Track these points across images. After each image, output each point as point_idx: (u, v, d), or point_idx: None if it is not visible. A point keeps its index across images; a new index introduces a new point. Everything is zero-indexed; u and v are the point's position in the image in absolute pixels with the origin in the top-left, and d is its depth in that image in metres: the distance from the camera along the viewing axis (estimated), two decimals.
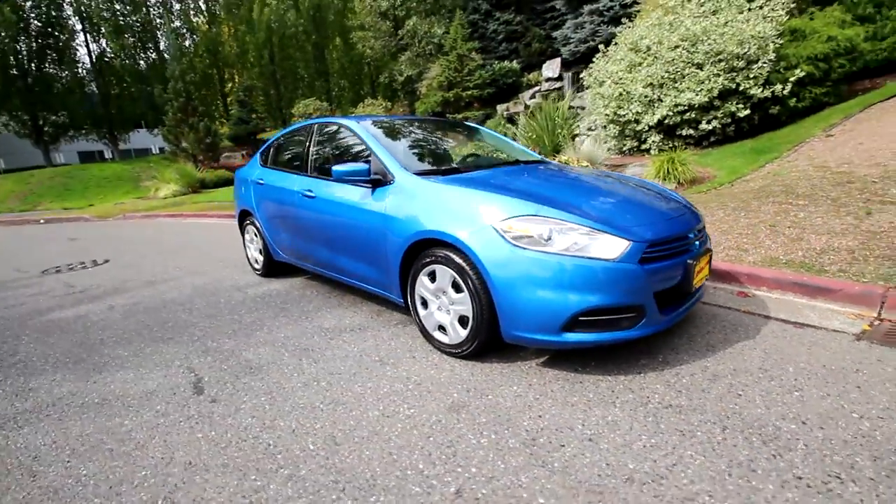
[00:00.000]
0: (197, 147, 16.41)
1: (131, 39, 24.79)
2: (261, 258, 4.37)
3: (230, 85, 26.22)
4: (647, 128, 7.66)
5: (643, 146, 7.98)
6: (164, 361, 2.70)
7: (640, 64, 7.85)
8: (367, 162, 2.89)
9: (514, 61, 17.71)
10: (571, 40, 16.17)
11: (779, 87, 6.66)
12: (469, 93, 15.79)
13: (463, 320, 2.39)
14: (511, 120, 15.61)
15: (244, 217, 4.52)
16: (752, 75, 6.72)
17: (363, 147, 3.06)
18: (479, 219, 2.23)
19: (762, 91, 6.72)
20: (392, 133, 3.30)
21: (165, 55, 19.39)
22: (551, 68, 16.12)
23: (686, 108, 7.13)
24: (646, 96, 7.56)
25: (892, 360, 2.18)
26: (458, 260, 2.30)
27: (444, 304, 2.48)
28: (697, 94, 6.92)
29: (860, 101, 6.74)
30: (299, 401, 2.17)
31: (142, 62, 25.11)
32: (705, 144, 7.47)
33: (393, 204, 2.67)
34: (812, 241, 3.51)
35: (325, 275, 3.56)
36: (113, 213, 11.72)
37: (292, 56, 21.14)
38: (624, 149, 8.38)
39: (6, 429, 2.12)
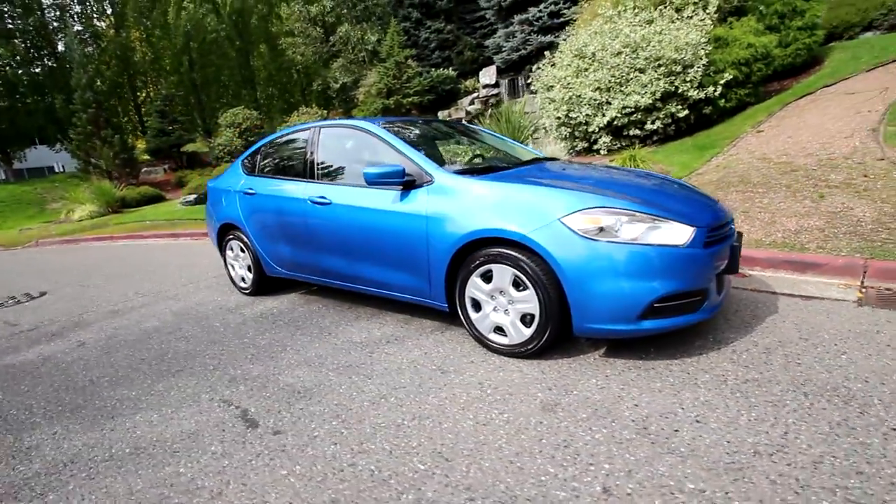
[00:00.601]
0: (112, 163, 14.79)
1: (22, 45, 21.73)
2: (249, 275, 4.02)
3: (143, 94, 23.87)
4: (597, 129, 8.12)
5: (594, 147, 8.44)
6: (188, 397, 2.38)
7: (586, 69, 8.31)
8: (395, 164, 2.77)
9: (449, 69, 17.97)
10: (504, 49, 16.74)
11: (711, 89, 7.38)
12: (409, 100, 15.77)
13: (525, 318, 2.36)
14: None
15: (225, 232, 4.14)
16: (688, 79, 7.38)
17: (387, 149, 2.92)
18: (544, 214, 2.22)
19: (697, 93, 7.40)
20: (409, 134, 3.19)
21: (68, 64, 17.16)
22: (488, 75, 16.58)
23: (633, 109, 7.65)
24: (595, 100, 8.01)
25: None
26: (521, 257, 2.27)
27: (501, 304, 2.43)
28: (643, 97, 7.46)
29: (777, 101, 7.65)
30: (377, 420, 2.01)
31: (38, 70, 22.04)
32: (650, 143, 8.06)
33: (435, 205, 2.57)
34: (785, 224, 3.90)
35: (335, 286, 3.35)
36: (21, 240, 10.19)
37: (214, 63, 19.69)
38: (576, 149, 8.81)
39: (23, 499, 1.74)
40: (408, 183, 2.70)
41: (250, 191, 3.78)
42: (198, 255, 6.65)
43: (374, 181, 2.69)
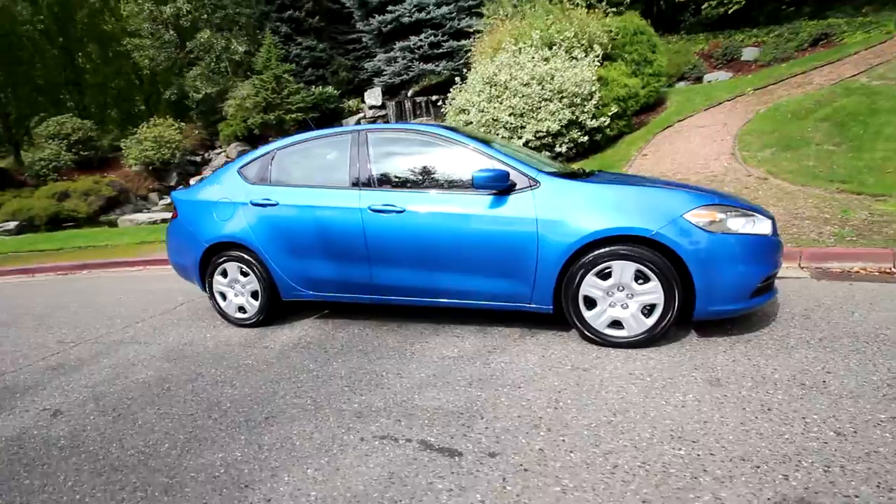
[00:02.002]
0: None
1: None
2: (254, 303, 3.41)
3: None
4: None
5: None
6: (329, 442, 1.96)
7: (499, 96, 9.06)
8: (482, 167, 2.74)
9: (328, 87, 17.55)
10: (385, 72, 17.08)
11: (602, 119, 8.74)
12: (292, 116, 14.92)
13: (645, 310, 2.56)
14: None
15: (214, 254, 3.43)
16: (586, 110, 8.62)
17: (470, 153, 2.86)
18: (667, 211, 2.47)
19: (593, 122, 8.69)
20: (480, 139, 3.11)
21: None
22: (373, 96, 16.67)
23: (545, 133, 8.60)
24: (510, 123, 8.77)
25: (862, 287, 3.36)
26: (645, 252, 2.48)
27: (618, 299, 2.59)
28: (554, 123, 8.45)
29: (646, 131, 9.41)
30: (581, 422, 1.96)
31: None
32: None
33: (546, 208, 2.62)
34: None
35: (381, 304, 3.12)
36: None
37: (24, 60, 15.32)
38: None
39: None
40: (510, 187, 2.70)
41: (267, 202, 3.24)
42: (94, 292, 5.26)
43: (483, 185, 2.62)
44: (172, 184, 15.35)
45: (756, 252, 2.49)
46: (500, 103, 8.90)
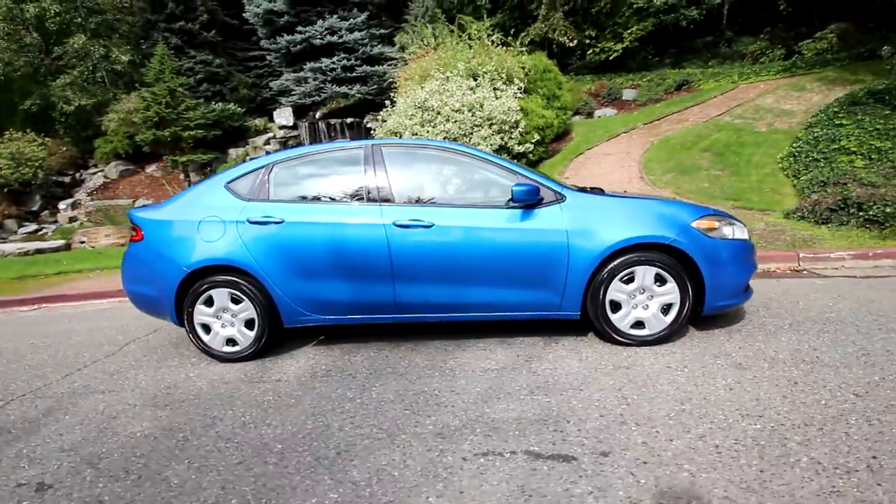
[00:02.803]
0: None
1: None
2: (249, 333, 3.04)
3: None
4: None
5: None
6: (430, 469, 1.83)
7: (431, 121, 9.31)
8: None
9: (231, 104, 16.41)
10: (295, 92, 16.53)
11: (528, 145, 9.45)
12: (191, 133, 13.62)
13: (665, 309, 2.84)
14: None
15: (197, 280, 3.01)
16: (513, 136, 9.26)
17: (494, 168, 2.96)
18: (678, 221, 2.80)
19: (520, 147, 9.35)
20: (494, 156, 3.19)
21: None
22: (284, 116, 15.96)
23: None
24: None
25: (789, 283, 4.08)
26: (663, 257, 2.77)
27: (640, 301, 2.84)
28: (486, 147, 8.92)
29: (562, 157, 10.36)
30: (658, 413, 2.11)
31: None
32: None
33: (574, 220, 2.80)
34: None
35: (413, 322, 3.02)
36: None
37: None
38: None
39: None
40: (539, 201, 2.83)
41: (269, 220, 2.95)
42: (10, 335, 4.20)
43: (521, 198, 2.73)
44: (35, 208, 12.87)
45: (744, 254, 2.94)
46: (434, 127, 9.16)
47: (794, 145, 7.71)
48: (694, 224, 2.82)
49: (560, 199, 2.87)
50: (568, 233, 2.80)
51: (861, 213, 5.30)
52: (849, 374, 2.35)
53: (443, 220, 2.87)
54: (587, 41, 16.74)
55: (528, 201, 2.79)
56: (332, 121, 16.24)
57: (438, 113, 9.34)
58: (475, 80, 9.91)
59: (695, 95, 12.75)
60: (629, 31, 15.80)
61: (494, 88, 9.88)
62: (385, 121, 10.05)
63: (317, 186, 3.10)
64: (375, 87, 16.57)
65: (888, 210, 5.11)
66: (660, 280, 2.81)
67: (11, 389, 2.94)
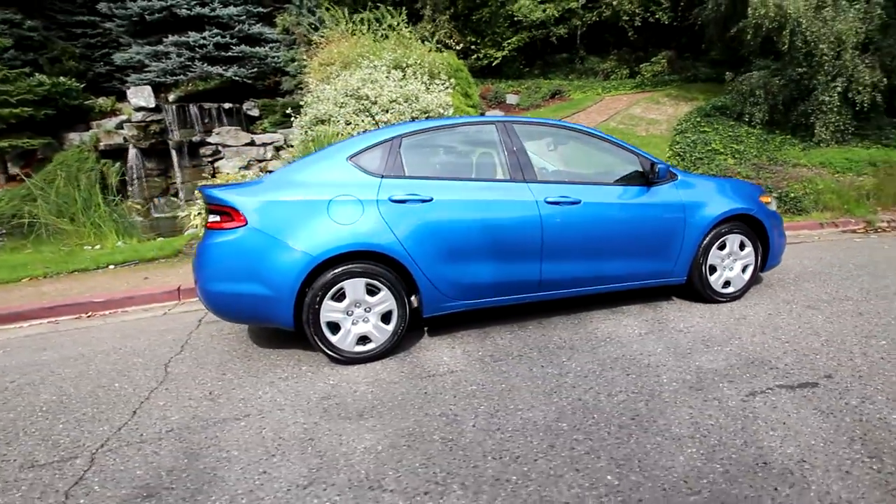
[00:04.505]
0: None
1: None
2: (386, 328, 2.69)
3: None
4: None
5: None
6: (734, 415, 1.97)
7: (367, 110, 8.90)
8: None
9: (62, 77, 13.08)
10: (151, 69, 14.03)
11: None
12: (12, 111, 10.52)
13: (744, 269, 3.43)
14: (108, 153, 11.72)
15: (322, 272, 2.53)
16: None
17: (616, 149, 3.17)
18: (752, 196, 3.42)
19: None
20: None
21: None
22: (142, 96, 13.37)
23: None
24: None
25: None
26: (746, 226, 3.35)
27: (728, 264, 3.38)
28: None
29: None
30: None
31: None
32: None
33: (687, 195, 3.19)
34: None
35: (553, 299, 3.07)
36: None
37: None
38: None
39: None
40: (667, 178, 3.15)
41: (415, 198, 2.64)
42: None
43: (663, 176, 2.99)
44: None
45: (781, 223, 3.71)
46: (373, 117, 8.79)
47: (676, 147, 9.55)
48: (760, 199, 3.47)
49: (674, 177, 3.23)
50: (684, 206, 3.18)
51: None
52: (871, 313, 3.23)
53: (587, 197, 2.97)
54: (472, 46, 17.75)
55: (664, 179, 3.09)
56: (207, 105, 14.14)
57: (374, 102, 8.99)
58: (402, 72, 9.80)
59: (571, 104, 14.64)
60: (508, 41, 17.28)
61: (424, 83, 9.92)
62: (308, 108, 9.22)
63: (453, 162, 2.89)
64: (255, 70, 14.99)
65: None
66: (741, 246, 3.39)
67: (98, 430, 2.07)
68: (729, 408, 2.04)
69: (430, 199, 2.70)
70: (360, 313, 2.66)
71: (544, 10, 16.24)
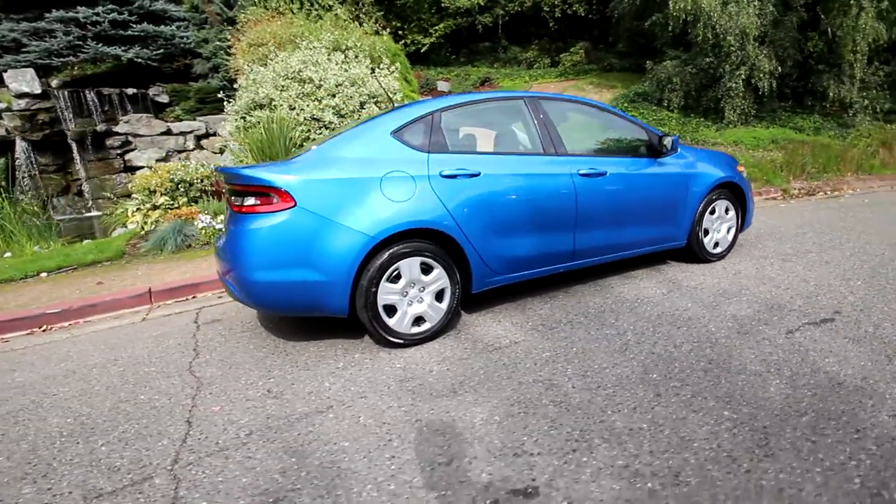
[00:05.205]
0: None
1: None
2: (440, 306, 2.64)
3: None
4: None
5: None
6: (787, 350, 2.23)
7: (312, 94, 8.40)
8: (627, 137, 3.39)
9: None
10: (30, 50, 12.11)
11: None
12: None
13: (729, 230, 3.82)
14: None
15: (380, 251, 2.41)
16: None
17: (627, 123, 3.36)
18: (733, 165, 3.82)
19: None
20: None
21: None
22: (24, 80, 11.51)
23: None
24: (334, 123, 8.35)
25: None
26: (730, 193, 3.74)
27: (717, 227, 3.76)
28: None
29: None
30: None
31: None
32: None
33: (687, 166, 3.49)
34: None
35: (581, 268, 3.19)
36: None
37: None
38: None
39: None
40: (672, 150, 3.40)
41: (463, 172, 2.59)
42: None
43: (673, 148, 3.22)
44: None
45: (751, 189, 4.18)
46: (319, 102, 8.34)
47: None
48: (738, 168, 3.89)
49: (675, 151, 3.50)
50: (686, 176, 3.47)
51: None
52: (862, 254, 3.81)
53: (611, 169, 3.12)
54: (399, 32, 17.46)
55: (673, 151, 3.33)
56: (107, 90, 12.47)
57: (319, 86, 8.50)
58: (343, 54, 9.36)
59: (503, 91, 15.04)
60: (436, 28, 17.25)
61: (368, 67, 9.57)
62: (244, 91, 8.46)
63: (489, 137, 2.87)
64: (162, 51, 13.49)
65: None
66: (727, 210, 3.78)
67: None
68: (780, 344, 2.31)
69: (478, 174, 2.67)
70: (414, 293, 2.57)
71: None
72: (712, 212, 3.69)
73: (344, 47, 9.43)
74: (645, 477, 1.50)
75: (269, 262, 2.31)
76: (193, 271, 4.36)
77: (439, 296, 2.65)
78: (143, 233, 5.68)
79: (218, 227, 5.43)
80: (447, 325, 2.72)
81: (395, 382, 2.22)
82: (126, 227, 6.50)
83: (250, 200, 2.35)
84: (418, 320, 2.61)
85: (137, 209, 5.85)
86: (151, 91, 13.02)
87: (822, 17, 9.83)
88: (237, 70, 10.23)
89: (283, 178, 2.31)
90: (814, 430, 1.68)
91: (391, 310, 2.52)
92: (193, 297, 3.99)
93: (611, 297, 3.15)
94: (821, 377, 2.00)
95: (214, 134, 12.07)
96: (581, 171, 2.99)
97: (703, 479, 1.48)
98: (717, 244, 3.79)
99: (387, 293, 2.47)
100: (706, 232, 3.72)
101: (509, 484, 1.51)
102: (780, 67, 9.35)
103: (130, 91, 12.57)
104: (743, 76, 9.40)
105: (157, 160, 10.95)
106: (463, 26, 18.03)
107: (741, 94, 9.56)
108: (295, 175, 2.34)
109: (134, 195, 6.06)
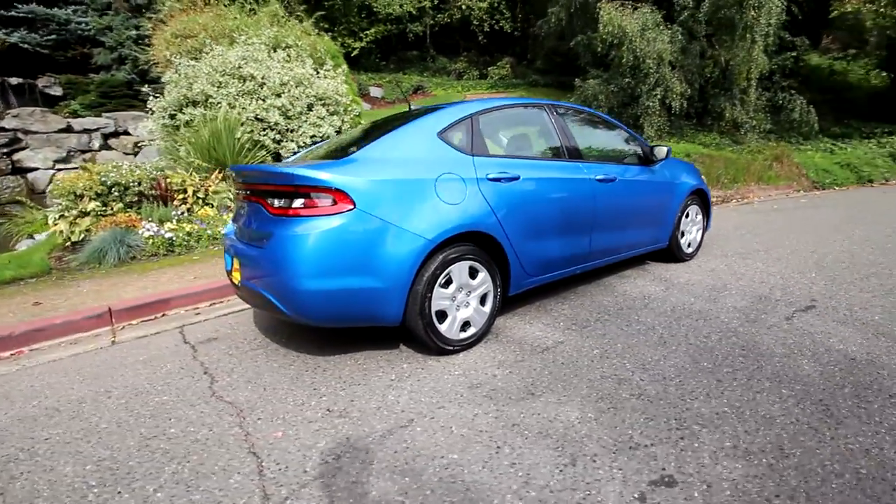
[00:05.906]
0: None
1: None
2: (484, 310, 2.62)
3: None
4: (291, 154, 8.02)
5: None
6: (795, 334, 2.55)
7: (253, 92, 7.83)
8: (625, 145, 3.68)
9: None
10: None
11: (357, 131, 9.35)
12: None
13: (698, 232, 4.26)
14: None
15: (434, 255, 2.35)
16: (346, 120, 8.97)
17: (623, 133, 3.61)
18: (697, 174, 4.26)
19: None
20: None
21: None
22: None
23: (320, 138, 8.31)
24: (279, 124, 7.86)
25: None
26: (698, 198, 4.18)
27: (690, 229, 4.17)
28: (330, 128, 8.34)
29: None
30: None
31: None
32: None
33: (671, 174, 3.84)
34: None
35: (593, 269, 3.36)
36: None
37: None
38: None
39: None
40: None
41: (505, 175, 2.60)
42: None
43: (667, 156, 3.51)
44: None
45: None
46: (263, 101, 7.80)
47: None
48: (702, 176, 4.36)
49: (662, 159, 3.83)
50: (671, 183, 3.81)
51: None
52: (836, 244, 4.42)
53: (620, 175, 3.34)
54: (328, 33, 16.94)
55: (664, 160, 3.64)
56: (13, 80, 10.60)
57: (262, 84, 7.94)
58: (285, 52, 8.86)
59: (438, 100, 15.26)
60: (367, 32, 17.04)
61: (313, 67, 9.14)
62: (172, 87, 7.61)
63: (518, 141, 2.92)
64: (54, 37, 11.78)
65: None
66: (697, 214, 4.22)
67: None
68: (787, 330, 2.64)
69: (518, 178, 2.70)
70: (462, 298, 2.53)
71: (401, 5, 16.47)
72: (687, 216, 4.10)
73: (284, 45, 8.95)
74: (756, 454, 1.64)
75: (324, 270, 2.14)
76: (154, 286, 3.85)
77: (482, 300, 2.63)
78: (68, 244, 4.88)
79: (168, 235, 4.84)
80: (489, 328, 2.72)
81: (465, 390, 2.16)
82: (34, 237, 5.55)
83: (298, 202, 2.15)
84: (465, 325, 2.57)
85: (61, 216, 5.00)
86: (41, 82, 11.31)
87: (717, 47, 11.37)
88: (156, 62, 9.25)
89: (343, 179, 2.15)
90: (859, 398, 1.95)
91: (442, 316, 2.45)
92: (163, 315, 3.52)
93: (619, 295, 3.35)
94: (836, 355, 2.33)
95: (125, 132, 10.72)
96: (598, 177, 3.17)
97: (804, 449, 1.65)
98: (689, 244, 4.21)
99: (440, 298, 2.40)
100: (682, 234, 4.11)
101: (644, 476, 1.56)
102: (689, 89, 10.61)
103: (14, 81, 10.80)
104: (659, 96, 10.52)
105: (56, 161, 9.47)
106: (393, 33, 18.02)
107: (657, 112, 10.68)
108: (355, 175, 2.19)
109: (56, 200, 5.19)
